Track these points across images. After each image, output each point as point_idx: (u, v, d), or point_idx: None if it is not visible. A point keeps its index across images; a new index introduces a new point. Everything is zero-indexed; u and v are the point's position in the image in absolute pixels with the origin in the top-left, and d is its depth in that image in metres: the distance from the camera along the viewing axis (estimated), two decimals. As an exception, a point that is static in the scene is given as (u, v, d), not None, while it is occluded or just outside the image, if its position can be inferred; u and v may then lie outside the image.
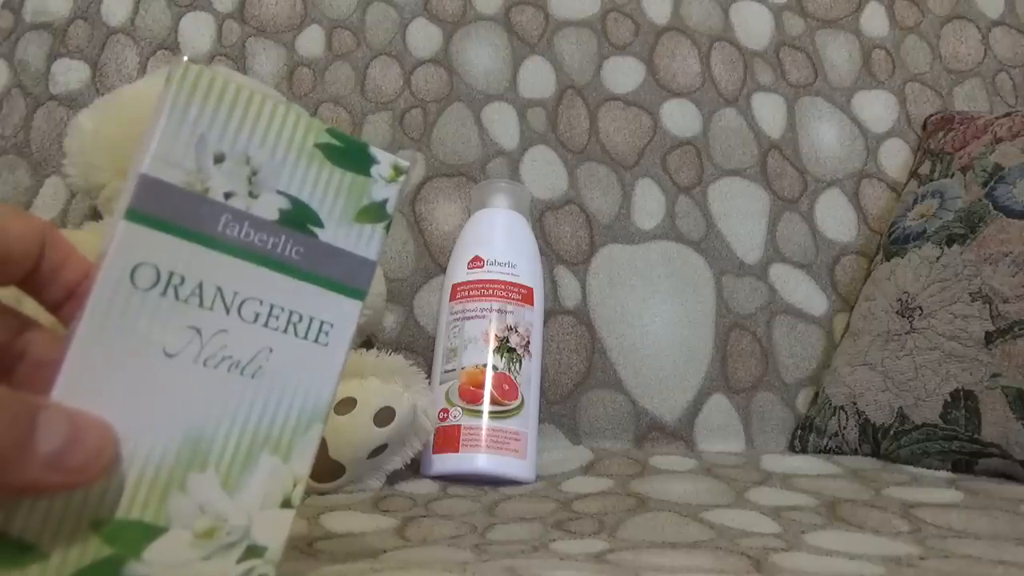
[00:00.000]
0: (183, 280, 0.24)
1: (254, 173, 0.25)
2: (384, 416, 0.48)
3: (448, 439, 0.52)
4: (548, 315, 0.64)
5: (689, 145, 0.71)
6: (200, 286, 0.24)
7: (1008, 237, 0.55)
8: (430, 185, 0.68)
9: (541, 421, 0.60)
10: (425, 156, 0.69)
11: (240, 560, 0.25)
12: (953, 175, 0.62)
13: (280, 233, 0.25)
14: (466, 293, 0.57)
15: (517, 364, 0.55)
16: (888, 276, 0.62)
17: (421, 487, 0.51)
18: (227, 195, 0.24)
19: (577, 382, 0.64)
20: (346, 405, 0.47)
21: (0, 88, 0.68)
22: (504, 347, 0.55)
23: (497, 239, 0.60)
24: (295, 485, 0.26)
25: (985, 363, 0.53)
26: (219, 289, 0.24)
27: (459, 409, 0.53)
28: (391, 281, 0.64)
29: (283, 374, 0.25)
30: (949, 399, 0.54)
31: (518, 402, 0.54)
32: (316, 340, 0.26)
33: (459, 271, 0.59)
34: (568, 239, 0.67)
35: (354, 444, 0.47)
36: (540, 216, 0.67)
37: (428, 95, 0.71)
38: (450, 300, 0.58)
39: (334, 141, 0.26)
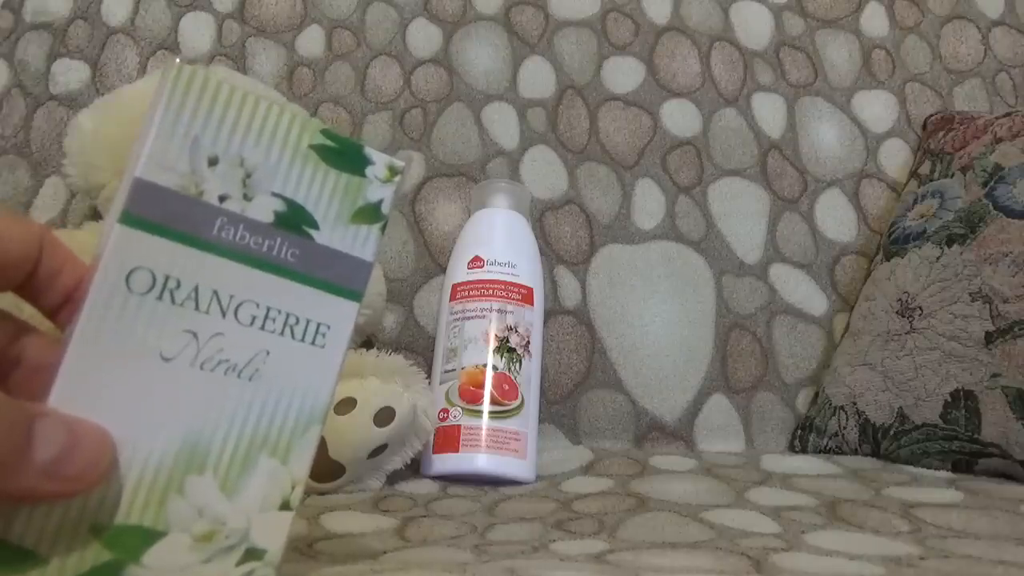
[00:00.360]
0: (179, 284, 0.24)
1: (248, 175, 0.25)
2: (384, 416, 0.48)
3: (448, 439, 0.52)
4: (548, 315, 0.64)
5: (689, 145, 0.71)
6: (196, 289, 0.24)
7: (1008, 237, 0.55)
8: (430, 185, 0.68)
9: (541, 421, 0.60)
10: (425, 156, 0.69)
11: (239, 563, 0.25)
12: (953, 175, 0.62)
13: (275, 235, 0.25)
14: (466, 293, 0.57)
15: (517, 364, 0.55)
16: (888, 276, 0.62)
17: (421, 487, 0.51)
18: (222, 198, 0.24)
19: (577, 382, 0.64)
20: (346, 405, 0.47)
21: (0, 88, 0.68)
22: (504, 347, 0.55)
23: (497, 239, 0.60)
24: (294, 487, 0.26)
25: (985, 363, 0.53)
26: (215, 292, 0.24)
27: (459, 409, 0.53)
28: (391, 281, 0.64)
29: (280, 376, 0.25)
30: (949, 399, 0.54)
31: (518, 402, 0.54)
32: (313, 342, 0.26)
33: (459, 271, 0.59)
34: (568, 239, 0.67)
35: (354, 444, 0.47)
36: (540, 216, 0.67)
37: (428, 95, 0.71)
38: (450, 300, 0.58)
39: (329, 142, 0.26)
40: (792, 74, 0.74)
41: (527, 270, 0.58)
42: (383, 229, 0.27)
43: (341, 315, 0.27)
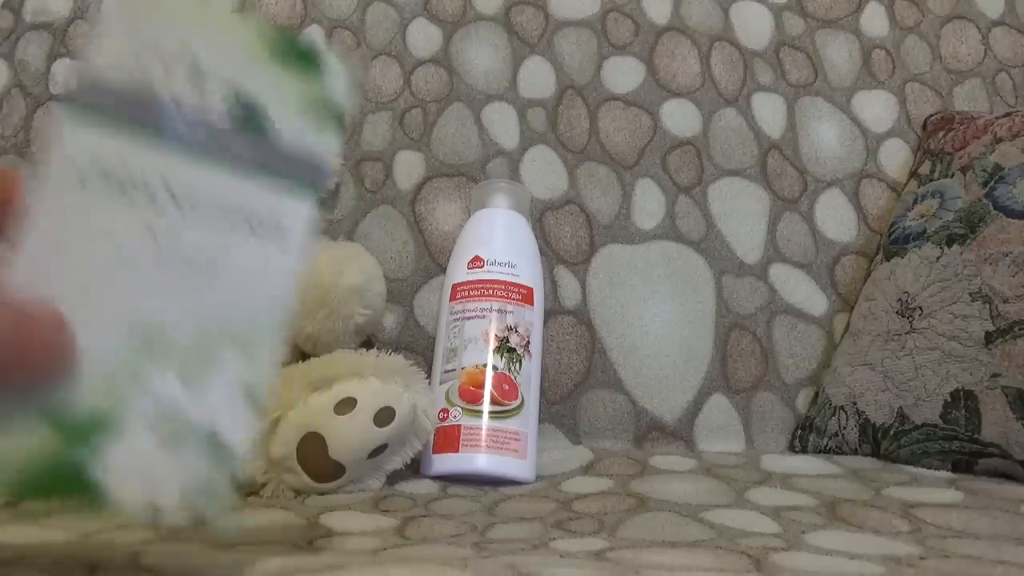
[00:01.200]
0: (133, 180, 0.24)
1: (203, 75, 0.25)
2: (384, 416, 0.48)
3: (448, 439, 0.52)
4: (548, 315, 0.64)
5: (689, 145, 0.71)
6: (150, 186, 0.24)
7: (1008, 237, 0.55)
8: (430, 185, 0.68)
9: (541, 421, 0.60)
10: (425, 156, 0.69)
11: (202, 456, 0.24)
12: (953, 175, 0.62)
13: (231, 134, 0.25)
14: (466, 293, 0.57)
15: (517, 364, 0.55)
16: (888, 276, 0.62)
17: (421, 487, 0.51)
18: (175, 96, 0.24)
19: (577, 382, 0.64)
20: (346, 405, 0.47)
21: (0, 88, 0.68)
22: (504, 347, 0.55)
23: (497, 239, 0.60)
24: (257, 384, 0.26)
25: (985, 363, 0.53)
26: (171, 189, 0.24)
27: (459, 409, 0.53)
28: (391, 281, 0.64)
29: (239, 272, 0.25)
30: (949, 399, 0.54)
31: (518, 402, 0.54)
32: (271, 239, 0.26)
33: (459, 271, 0.59)
34: (568, 239, 0.67)
35: (354, 444, 0.47)
36: (540, 216, 0.67)
37: (428, 95, 0.71)
38: (450, 300, 0.58)
39: (284, 42, 0.26)
40: (792, 74, 0.74)
41: (527, 270, 0.58)
42: (341, 124, 0.27)
43: (298, 213, 0.27)
